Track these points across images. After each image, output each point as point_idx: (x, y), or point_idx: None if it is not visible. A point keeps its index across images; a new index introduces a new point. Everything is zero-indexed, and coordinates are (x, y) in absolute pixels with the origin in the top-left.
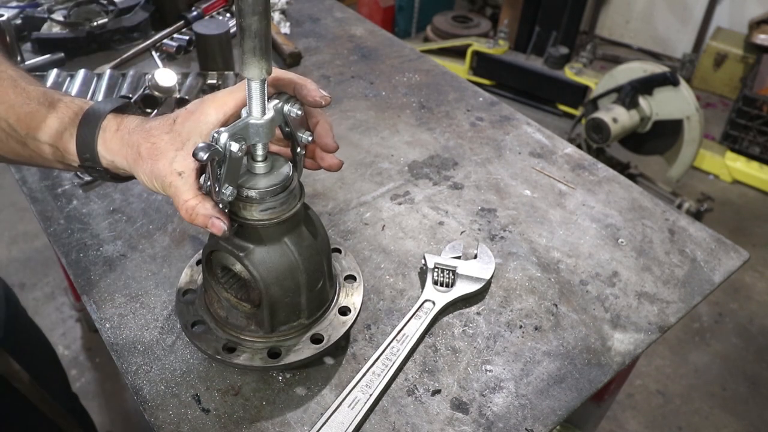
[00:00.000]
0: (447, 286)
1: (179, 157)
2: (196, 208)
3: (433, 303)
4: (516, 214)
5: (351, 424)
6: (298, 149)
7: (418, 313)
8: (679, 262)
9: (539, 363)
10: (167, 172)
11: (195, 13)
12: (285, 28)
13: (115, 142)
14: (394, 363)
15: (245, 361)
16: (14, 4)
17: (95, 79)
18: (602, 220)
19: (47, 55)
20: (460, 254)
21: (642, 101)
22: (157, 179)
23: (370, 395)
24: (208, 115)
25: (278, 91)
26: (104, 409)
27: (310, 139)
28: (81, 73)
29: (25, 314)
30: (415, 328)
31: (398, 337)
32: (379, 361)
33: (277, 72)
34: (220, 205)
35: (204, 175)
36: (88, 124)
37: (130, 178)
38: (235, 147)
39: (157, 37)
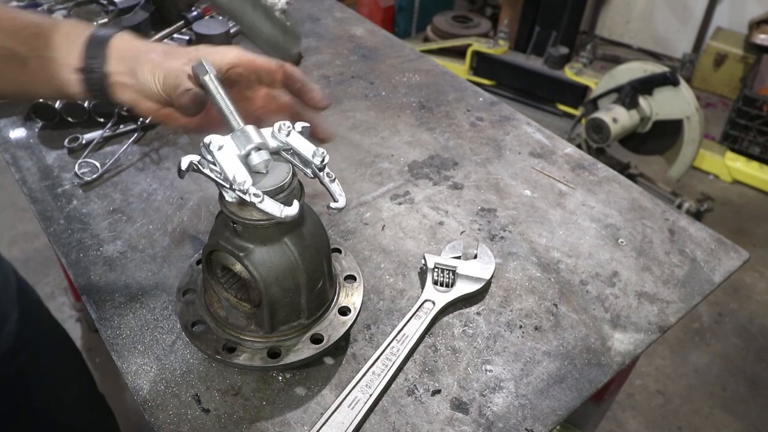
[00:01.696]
0: (447, 286)
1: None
2: (188, 89)
3: (433, 303)
4: (516, 214)
5: (351, 424)
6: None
7: (418, 313)
8: (679, 262)
9: (539, 363)
10: (178, 67)
11: (195, 13)
12: None
13: (129, 43)
14: (394, 363)
15: (245, 361)
16: (14, 4)
17: None
18: (602, 220)
19: None
20: (460, 254)
21: (642, 101)
22: (164, 71)
23: (370, 395)
24: (228, 51)
25: (287, 87)
26: None
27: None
28: None
29: (47, 312)
30: (415, 328)
31: (398, 337)
32: (379, 361)
33: (288, 68)
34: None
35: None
36: (99, 32)
37: (112, 101)
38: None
39: (157, 37)
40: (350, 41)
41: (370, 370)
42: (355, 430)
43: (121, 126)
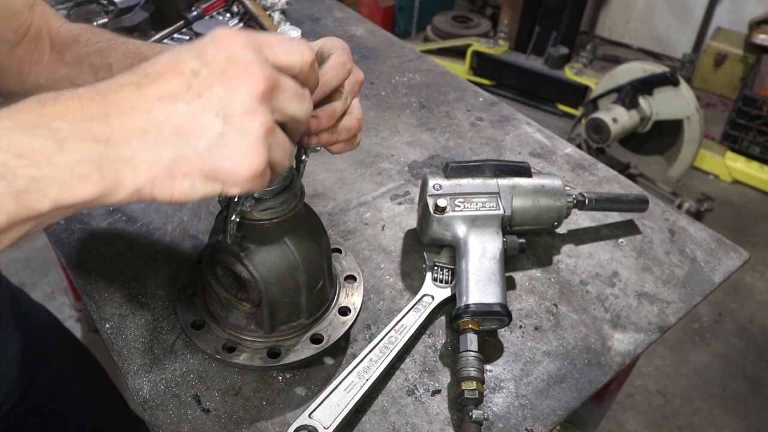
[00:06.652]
0: (446, 283)
1: (234, 125)
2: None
3: (432, 297)
4: None
5: (347, 406)
6: (303, 156)
7: (417, 306)
8: (679, 262)
9: (539, 363)
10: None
11: (195, 13)
12: None
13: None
14: (391, 351)
15: (245, 361)
16: None
17: None
18: (602, 220)
19: None
20: None
21: (642, 101)
22: (215, 172)
23: (367, 380)
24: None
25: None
26: None
27: (318, 149)
28: None
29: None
30: (413, 320)
31: (396, 327)
32: (376, 348)
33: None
34: (233, 216)
35: None
36: None
37: None
38: None
39: (157, 37)
40: (350, 41)
41: (368, 357)
42: (349, 412)
43: None
